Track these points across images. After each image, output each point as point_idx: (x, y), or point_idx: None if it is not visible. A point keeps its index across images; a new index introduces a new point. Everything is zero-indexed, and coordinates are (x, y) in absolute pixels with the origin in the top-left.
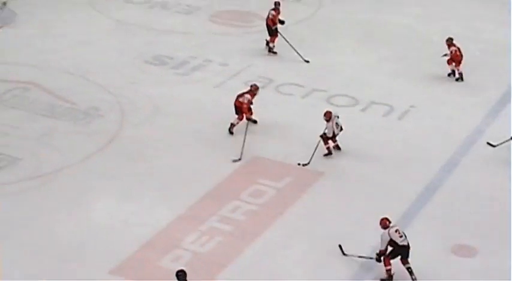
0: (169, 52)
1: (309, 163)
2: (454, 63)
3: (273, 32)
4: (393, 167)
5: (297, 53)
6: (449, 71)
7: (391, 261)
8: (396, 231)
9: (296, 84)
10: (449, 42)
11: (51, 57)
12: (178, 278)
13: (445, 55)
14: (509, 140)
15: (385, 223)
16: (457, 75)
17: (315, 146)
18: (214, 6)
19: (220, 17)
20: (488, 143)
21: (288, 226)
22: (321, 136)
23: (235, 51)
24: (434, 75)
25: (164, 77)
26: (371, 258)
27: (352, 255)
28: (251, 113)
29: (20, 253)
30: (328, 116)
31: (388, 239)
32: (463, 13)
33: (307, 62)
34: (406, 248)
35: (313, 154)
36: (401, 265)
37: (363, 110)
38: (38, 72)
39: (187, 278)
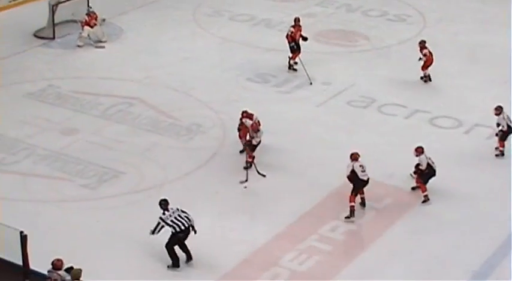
0: (271, 70)
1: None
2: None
3: (293, 49)
4: (499, 190)
5: (306, 73)
6: (423, 76)
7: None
8: (360, 166)
9: (399, 105)
10: (422, 44)
11: (156, 73)
12: (160, 207)
13: (420, 59)
14: None
15: (355, 157)
16: (424, 79)
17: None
18: (318, 25)
19: (324, 36)
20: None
21: (387, 247)
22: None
23: (338, 71)
24: None
25: (266, 95)
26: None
27: None
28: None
29: (123, 264)
30: (419, 151)
31: (351, 169)
32: None
33: (311, 84)
34: (365, 182)
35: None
36: None
37: (467, 132)
38: (142, 87)
39: None
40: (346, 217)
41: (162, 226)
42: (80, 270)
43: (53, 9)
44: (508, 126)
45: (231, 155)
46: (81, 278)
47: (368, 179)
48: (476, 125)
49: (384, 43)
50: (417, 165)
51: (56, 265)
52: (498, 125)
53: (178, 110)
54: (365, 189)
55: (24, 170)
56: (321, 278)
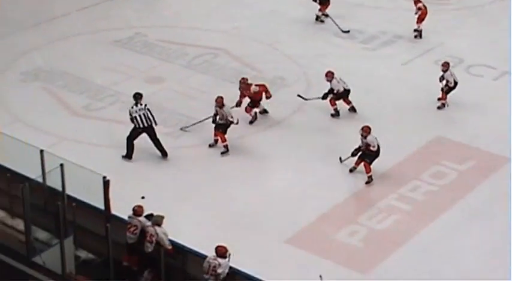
0: (359, 26)
1: None
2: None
3: (322, 1)
4: None
5: (336, 25)
6: (416, 29)
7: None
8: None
9: (488, 66)
10: None
11: (242, 25)
12: (134, 98)
13: (416, 13)
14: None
15: (330, 75)
16: (415, 33)
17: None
18: None
19: None
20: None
21: (467, 210)
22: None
23: (426, 29)
24: None
25: (352, 51)
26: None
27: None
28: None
29: (200, 215)
30: (366, 131)
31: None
32: None
33: (347, 32)
34: (347, 91)
35: None
36: None
37: None
38: (228, 39)
39: None
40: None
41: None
42: (161, 217)
43: None
44: (455, 82)
45: (314, 109)
46: (162, 225)
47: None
48: None
49: (476, 2)
50: (367, 145)
51: (137, 211)
52: (442, 79)
53: (263, 62)
54: (446, 150)
55: (109, 117)
56: (398, 237)
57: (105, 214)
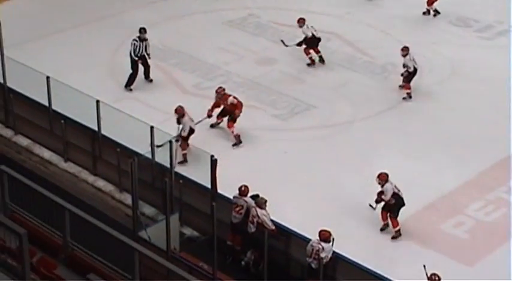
0: (475, 14)
1: None
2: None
3: None
4: None
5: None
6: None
7: None
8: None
9: None
10: None
11: (355, 9)
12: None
13: None
14: None
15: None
16: (432, 13)
17: None
18: None
19: None
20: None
21: None
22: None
23: None
24: None
25: (467, 40)
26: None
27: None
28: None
29: (305, 199)
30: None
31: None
32: None
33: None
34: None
35: None
36: None
37: None
38: (340, 23)
39: None
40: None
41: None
42: (264, 200)
43: None
44: (414, 68)
45: (424, 97)
46: (265, 208)
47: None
48: None
49: None
50: (380, 193)
51: (243, 191)
52: (404, 66)
53: (375, 48)
54: None
55: None
56: (506, 231)
57: (211, 193)
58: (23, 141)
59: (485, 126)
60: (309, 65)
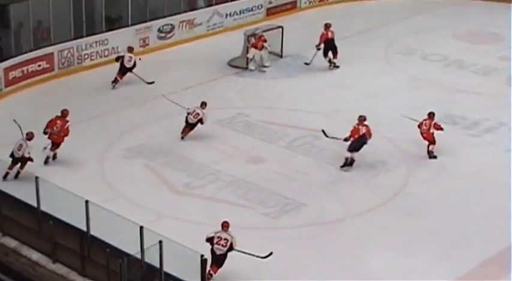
0: (461, 112)
1: None
2: None
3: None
4: None
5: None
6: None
7: None
8: None
9: None
10: None
11: (343, 107)
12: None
13: None
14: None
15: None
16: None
17: None
18: None
19: None
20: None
21: None
22: None
23: None
24: None
25: (454, 137)
26: None
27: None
28: None
29: None
30: None
31: None
32: None
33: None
34: None
35: None
36: None
37: None
38: (329, 121)
39: None
40: None
41: None
42: None
43: (248, 40)
44: None
45: (414, 194)
46: None
47: None
48: None
49: None
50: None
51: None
52: None
53: (364, 146)
54: None
55: (208, 195)
56: None
57: None
58: (11, 242)
59: (474, 222)
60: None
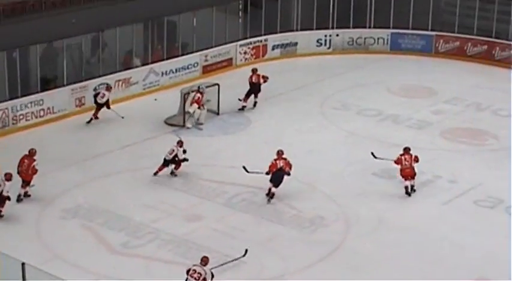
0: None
1: None
2: None
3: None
4: None
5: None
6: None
7: None
8: None
9: None
10: None
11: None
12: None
13: None
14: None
15: None
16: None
17: None
18: (446, 122)
19: (451, 134)
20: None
21: None
22: None
23: (465, 169)
24: None
25: (391, 191)
26: None
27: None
28: None
29: None
30: None
31: None
32: None
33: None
34: None
35: None
36: None
37: None
38: (267, 178)
39: None
40: None
41: None
42: None
43: (184, 98)
44: None
45: (353, 249)
46: None
47: None
48: None
49: None
50: None
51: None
52: None
53: (302, 201)
54: None
55: (147, 254)
56: None
57: None
58: None
59: (413, 275)
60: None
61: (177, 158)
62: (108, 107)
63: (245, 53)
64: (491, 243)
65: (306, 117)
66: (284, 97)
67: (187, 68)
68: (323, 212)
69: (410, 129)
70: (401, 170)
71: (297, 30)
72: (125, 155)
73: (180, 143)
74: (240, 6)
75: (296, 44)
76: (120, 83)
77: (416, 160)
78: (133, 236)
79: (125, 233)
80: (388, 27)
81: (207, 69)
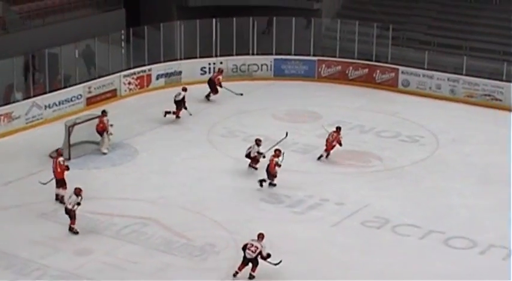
0: (285, 191)
1: None
2: None
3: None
4: None
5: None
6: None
7: None
8: None
9: (413, 226)
10: None
11: (169, 193)
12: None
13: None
14: None
15: None
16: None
17: None
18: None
19: (337, 157)
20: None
21: None
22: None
23: (351, 191)
24: None
25: (280, 215)
26: None
27: None
28: None
29: None
30: None
31: None
32: None
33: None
34: None
35: None
36: None
37: (482, 253)
38: (156, 208)
39: None
40: None
41: None
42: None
43: (68, 130)
44: None
45: (246, 276)
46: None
47: None
48: (492, 245)
49: (397, 164)
50: None
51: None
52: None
53: (192, 230)
54: None
55: None
56: None
57: None
58: None
59: None
60: None
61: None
62: None
63: (129, 83)
64: (379, 262)
65: (193, 145)
66: (170, 126)
67: (71, 100)
68: (213, 240)
69: (296, 153)
70: (326, 140)
71: (180, 59)
72: (9, 190)
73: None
74: (123, 37)
75: (180, 72)
76: (2, 117)
77: (339, 141)
78: (20, 273)
79: (11, 271)
80: (271, 54)
81: (91, 101)
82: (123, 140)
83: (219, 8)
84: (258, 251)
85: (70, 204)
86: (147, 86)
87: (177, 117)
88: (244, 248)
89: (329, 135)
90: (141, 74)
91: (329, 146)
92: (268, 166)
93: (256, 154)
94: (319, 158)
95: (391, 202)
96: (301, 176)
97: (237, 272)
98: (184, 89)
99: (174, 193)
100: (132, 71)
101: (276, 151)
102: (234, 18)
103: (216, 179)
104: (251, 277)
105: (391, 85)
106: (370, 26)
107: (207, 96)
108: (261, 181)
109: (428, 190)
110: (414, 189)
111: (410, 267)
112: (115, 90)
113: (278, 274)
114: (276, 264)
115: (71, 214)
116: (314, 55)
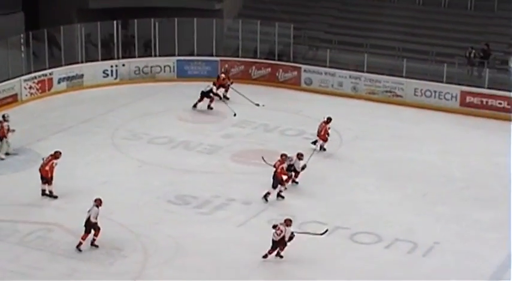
0: (192, 191)
1: None
2: None
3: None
4: None
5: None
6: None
7: None
8: None
9: (319, 222)
10: None
11: (74, 198)
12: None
13: None
14: None
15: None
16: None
17: None
18: (235, 145)
19: (242, 156)
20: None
21: None
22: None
23: (257, 190)
24: (459, 211)
25: (187, 217)
26: None
27: None
28: None
29: None
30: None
31: None
32: (483, 148)
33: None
34: None
35: None
36: None
37: (387, 247)
38: (61, 213)
39: None
40: None
41: None
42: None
43: None
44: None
45: (152, 278)
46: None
47: None
48: (397, 239)
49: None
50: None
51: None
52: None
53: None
54: None
55: None
56: None
57: None
58: None
59: None
60: None
61: None
62: None
63: (30, 87)
64: (286, 260)
65: (97, 149)
66: (73, 130)
67: None
68: (120, 244)
69: (202, 154)
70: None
71: (82, 62)
72: None
73: None
74: (22, 40)
75: (82, 76)
76: None
77: (327, 131)
78: None
79: None
80: (174, 55)
81: None
82: (25, 146)
83: (120, 10)
84: (282, 234)
85: (94, 217)
86: (49, 90)
87: (209, 107)
88: (274, 228)
89: (319, 126)
90: (42, 78)
91: (322, 137)
92: (275, 172)
93: (300, 169)
94: (313, 142)
95: (296, 200)
96: (207, 176)
97: (266, 255)
98: (214, 84)
99: (78, 198)
100: (32, 75)
101: (282, 156)
102: (136, 20)
103: (121, 182)
104: (279, 256)
105: (294, 84)
106: (272, 25)
107: (225, 97)
108: (266, 196)
109: (333, 187)
110: (319, 186)
111: (319, 264)
112: (16, 95)
113: (188, 274)
114: (322, 234)
115: (94, 227)
116: (217, 55)
